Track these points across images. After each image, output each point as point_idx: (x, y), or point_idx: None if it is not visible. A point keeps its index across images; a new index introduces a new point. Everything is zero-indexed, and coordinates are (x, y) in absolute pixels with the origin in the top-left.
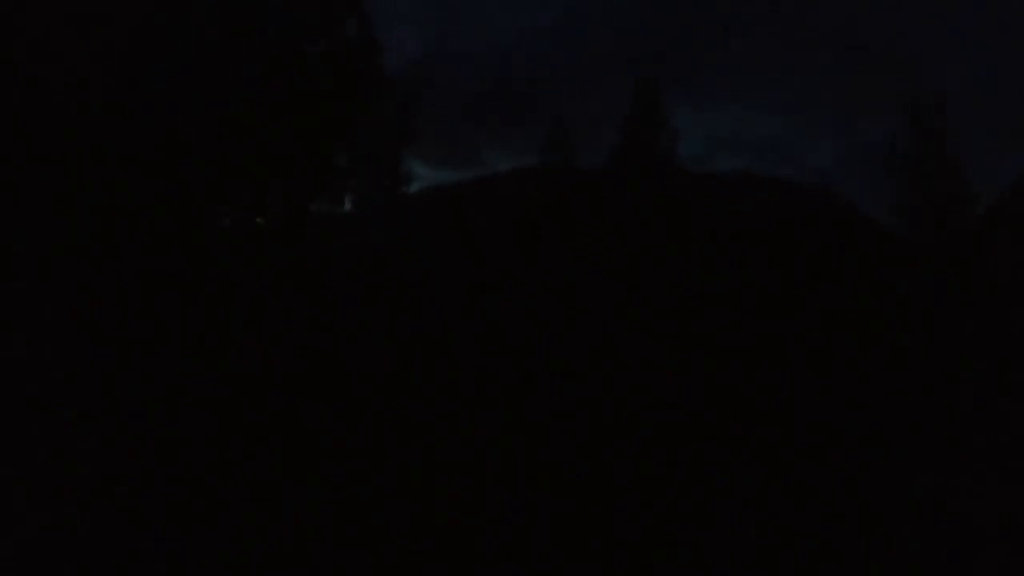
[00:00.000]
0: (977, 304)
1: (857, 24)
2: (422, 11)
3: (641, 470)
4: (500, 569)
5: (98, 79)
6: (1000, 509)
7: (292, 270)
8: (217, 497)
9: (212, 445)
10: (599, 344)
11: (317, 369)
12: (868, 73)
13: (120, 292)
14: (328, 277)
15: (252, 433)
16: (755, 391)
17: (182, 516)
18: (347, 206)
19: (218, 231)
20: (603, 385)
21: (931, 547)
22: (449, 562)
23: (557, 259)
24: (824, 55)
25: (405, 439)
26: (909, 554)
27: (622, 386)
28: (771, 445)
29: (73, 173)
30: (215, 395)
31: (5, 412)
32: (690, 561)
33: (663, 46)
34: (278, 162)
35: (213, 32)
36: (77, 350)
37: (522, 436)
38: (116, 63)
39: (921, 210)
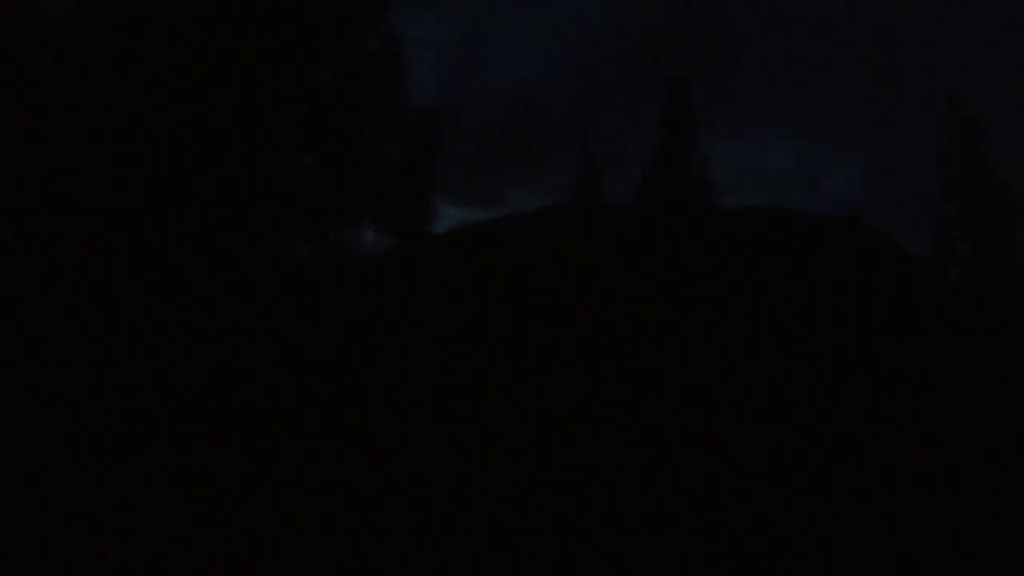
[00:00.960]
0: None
1: (881, 41)
2: (441, 53)
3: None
4: (500, 569)
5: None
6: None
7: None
8: (217, 497)
9: (212, 446)
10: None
11: (317, 370)
12: (894, 91)
13: (122, 294)
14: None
15: (252, 433)
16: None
17: (182, 516)
18: (369, 240)
19: (225, 251)
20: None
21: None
22: (449, 562)
23: (575, 302)
24: (845, 75)
25: (405, 440)
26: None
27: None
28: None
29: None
30: (215, 396)
31: (5, 412)
32: (691, 560)
33: (687, 74)
34: (293, 180)
35: (221, 42)
36: (77, 351)
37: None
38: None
39: (966, 216)
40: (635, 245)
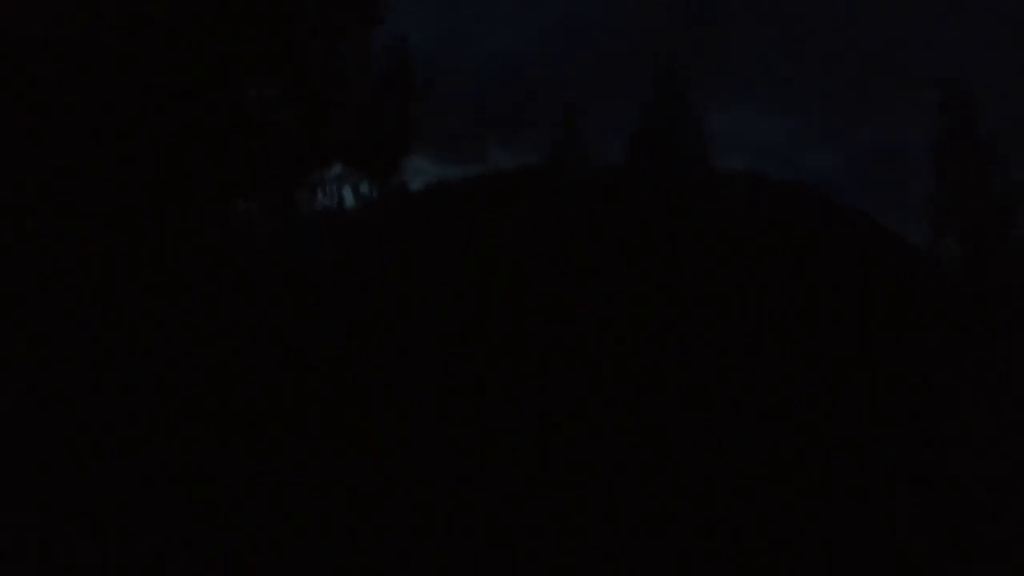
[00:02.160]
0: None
1: (864, 26)
2: (425, 11)
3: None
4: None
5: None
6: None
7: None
8: (217, 497)
9: (212, 446)
10: (600, 351)
11: (317, 370)
12: (874, 76)
13: (122, 294)
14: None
15: (252, 434)
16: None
17: (182, 516)
18: (346, 200)
19: (212, 227)
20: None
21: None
22: (449, 562)
23: (556, 261)
24: (827, 56)
25: (405, 440)
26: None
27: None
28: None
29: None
30: (215, 396)
31: (5, 412)
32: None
33: (675, 46)
34: (261, 133)
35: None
36: (77, 350)
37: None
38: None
39: (969, 208)
40: (628, 215)
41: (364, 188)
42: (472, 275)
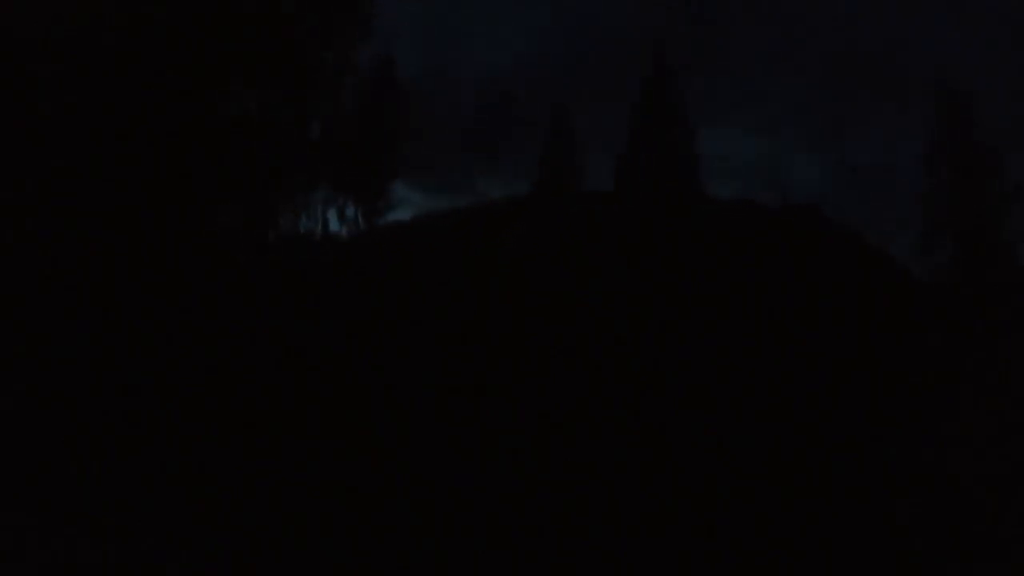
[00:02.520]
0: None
1: (846, 35)
2: (408, 34)
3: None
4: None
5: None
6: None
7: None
8: (217, 497)
9: (212, 446)
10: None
11: (317, 370)
12: (860, 89)
13: (122, 294)
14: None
15: (252, 433)
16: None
17: (182, 516)
18: (331, 226)
19: (213, 237)
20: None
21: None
22: (449, 562)
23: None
24: (809, 72)
25: (405, 440)
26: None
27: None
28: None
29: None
30: (215, 396)
31: (5, 412)
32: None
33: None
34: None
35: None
36: (77, 350)
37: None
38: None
39: (959, 221)
40: (620, 235)
41: (350, 213)
42: (471, 277)
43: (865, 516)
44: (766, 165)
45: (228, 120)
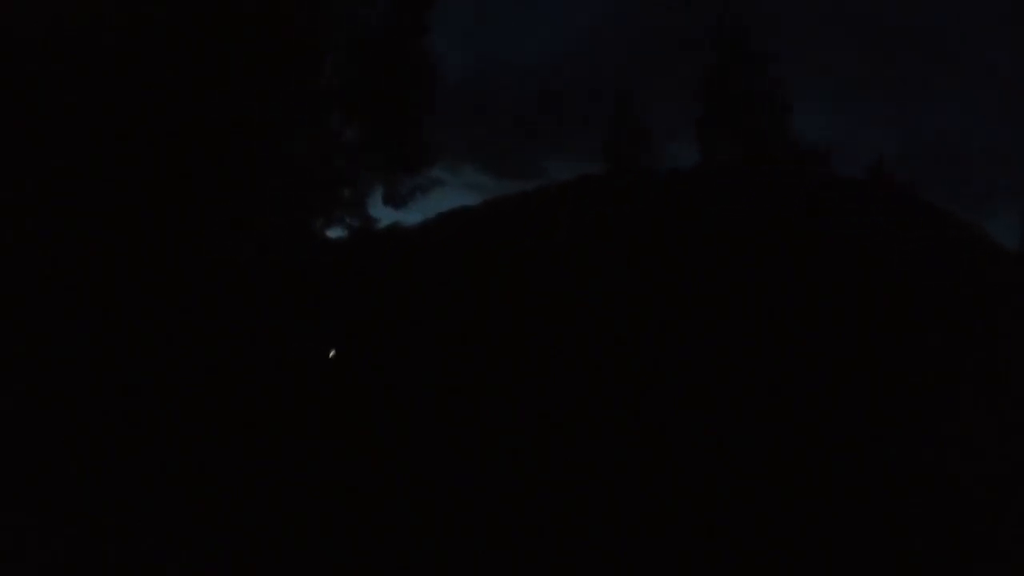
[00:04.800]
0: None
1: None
2: (466, 27)
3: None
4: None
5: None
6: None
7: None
8: (217, 497)
9: (212, 446)
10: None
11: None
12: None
13: (122, 294)
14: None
15: (252, 433)
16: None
17: (182, 516)
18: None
19: (220, 237)
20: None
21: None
22: (449, 562)
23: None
24: (877, 39)
25: (405, 440)
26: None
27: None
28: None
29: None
30: (215, 397)
31: (5, 412)
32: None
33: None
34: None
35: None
36: (77, 351)
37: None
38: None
39: None
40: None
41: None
42: (472, 276)
43: (865, 516)
44: (839, 139)
45: (228, 120)
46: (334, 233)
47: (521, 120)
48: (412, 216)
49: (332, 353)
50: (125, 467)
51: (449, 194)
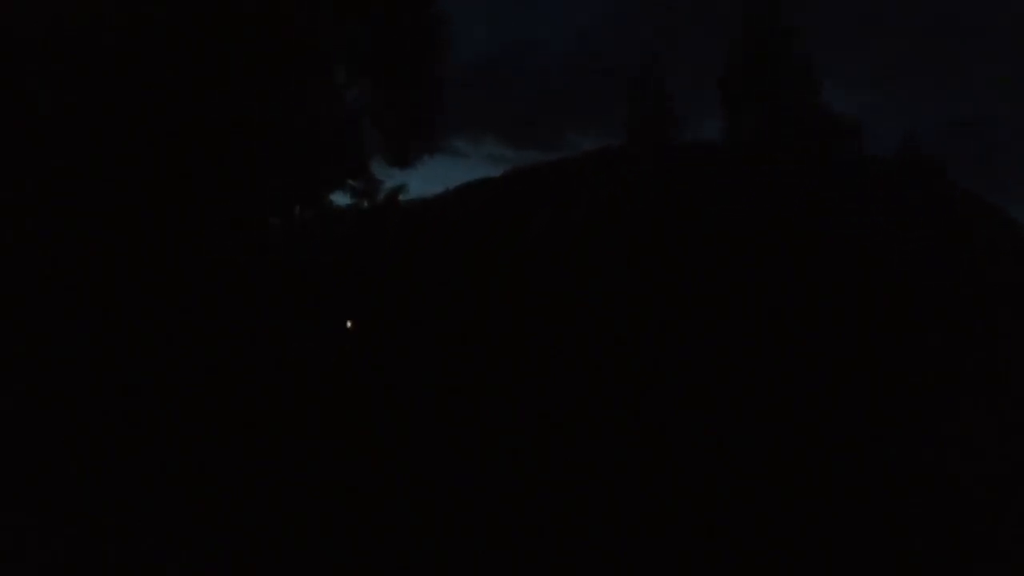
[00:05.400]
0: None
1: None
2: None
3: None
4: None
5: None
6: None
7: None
8: (217, 497)
9: (212, 446)
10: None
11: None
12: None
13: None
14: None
15: (252, 433)
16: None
17: (182, 516)
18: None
19: (227, 229)
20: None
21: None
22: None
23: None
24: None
25: (405, 440)
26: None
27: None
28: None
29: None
30: (215, 396)
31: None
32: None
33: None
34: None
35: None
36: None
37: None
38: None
39: None
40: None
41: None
42: (471, 275)
43: (865, 516)
44: (872, 120)
45: (228, 120)
46: (340, 199)
47: (543, 92)
48: (434, 188)
49: (350, 324)
50: (125, 467)
51: (471, 166)
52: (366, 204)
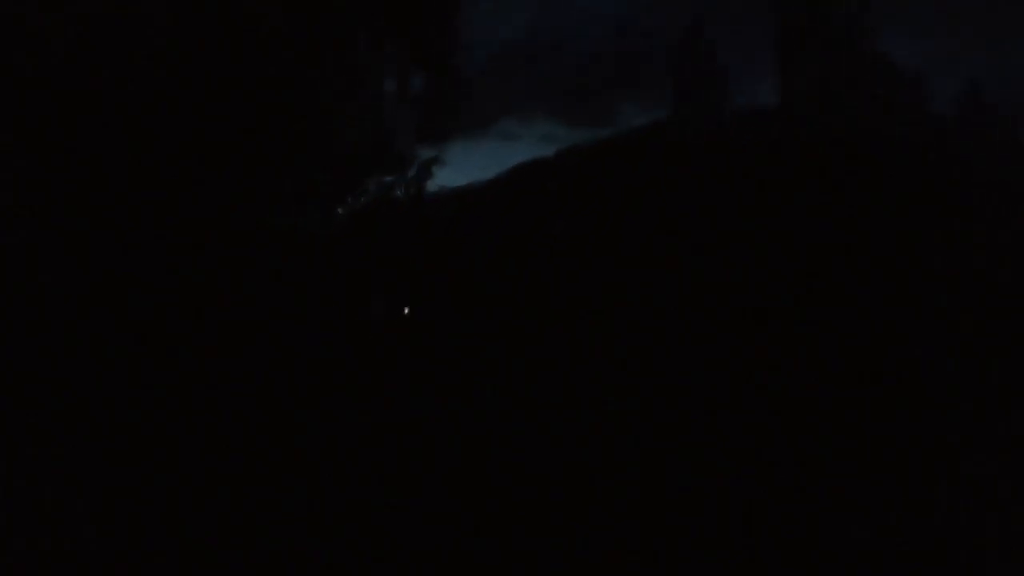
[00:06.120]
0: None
1: None
2: None
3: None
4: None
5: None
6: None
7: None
8: (217, 497)
9: (212, 446)
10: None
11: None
12: None
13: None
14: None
15: (252, 434)
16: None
17: (182, 516)
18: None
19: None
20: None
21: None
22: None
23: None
24: None
25: (404, 440)
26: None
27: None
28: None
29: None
30: (215, 397)
31: (5, 412)
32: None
33: None
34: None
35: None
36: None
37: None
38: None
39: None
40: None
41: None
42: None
43: (866, 516)
44: (934, 69)
45: (229, 120)
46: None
47: (592, 68)
48: (485, 173)
49: (407, 311)
50: (125, 467)
51: (524, 147)
52: (402, 190)
